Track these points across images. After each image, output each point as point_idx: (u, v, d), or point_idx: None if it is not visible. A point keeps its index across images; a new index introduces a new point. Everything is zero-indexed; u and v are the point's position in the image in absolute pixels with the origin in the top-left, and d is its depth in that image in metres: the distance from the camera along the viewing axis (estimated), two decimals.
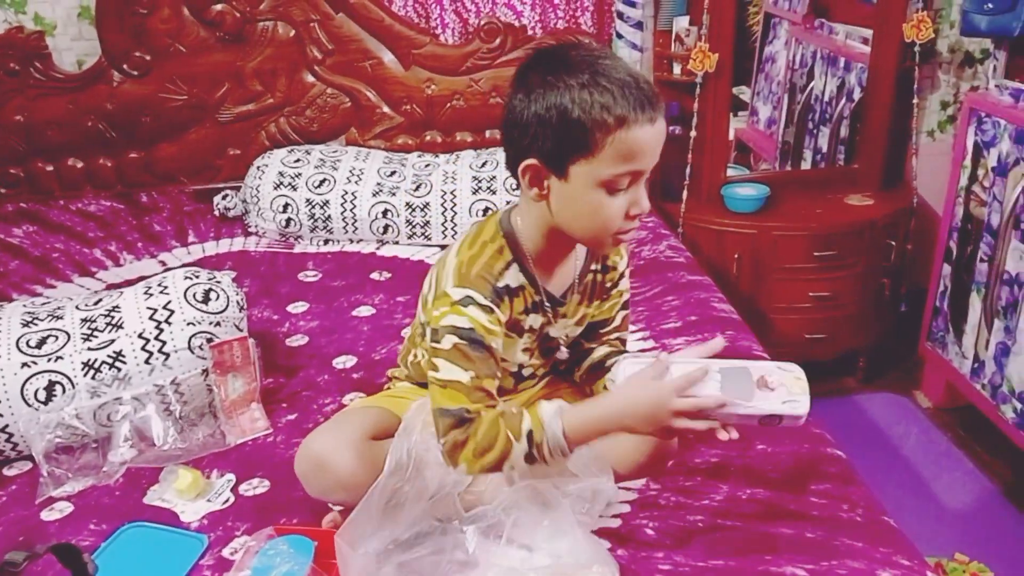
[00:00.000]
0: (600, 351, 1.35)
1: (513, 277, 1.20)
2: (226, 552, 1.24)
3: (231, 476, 1.41)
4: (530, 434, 1.11)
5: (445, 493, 1.16)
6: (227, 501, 1.36)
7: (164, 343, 1.49)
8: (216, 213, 2.49)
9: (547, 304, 1.24)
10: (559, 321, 1.29)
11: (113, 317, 1.50)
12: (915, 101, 2.68)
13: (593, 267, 1.29)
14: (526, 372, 1.33)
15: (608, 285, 1.33)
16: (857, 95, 2.75)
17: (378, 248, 2.36)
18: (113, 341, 1.47)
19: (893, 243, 2.65)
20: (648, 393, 1.09)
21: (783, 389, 1.07)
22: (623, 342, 1.39)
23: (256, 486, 1.39)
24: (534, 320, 1.25)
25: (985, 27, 2.32)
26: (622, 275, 1.34)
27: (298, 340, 1.88)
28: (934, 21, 2.63)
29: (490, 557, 1.12)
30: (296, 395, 1.65)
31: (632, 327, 1.79)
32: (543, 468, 1.14)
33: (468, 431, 1.12)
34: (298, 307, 2.03)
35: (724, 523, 1.24)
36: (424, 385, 1.33)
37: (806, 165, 2.99)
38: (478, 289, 1.16)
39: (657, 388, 1.08)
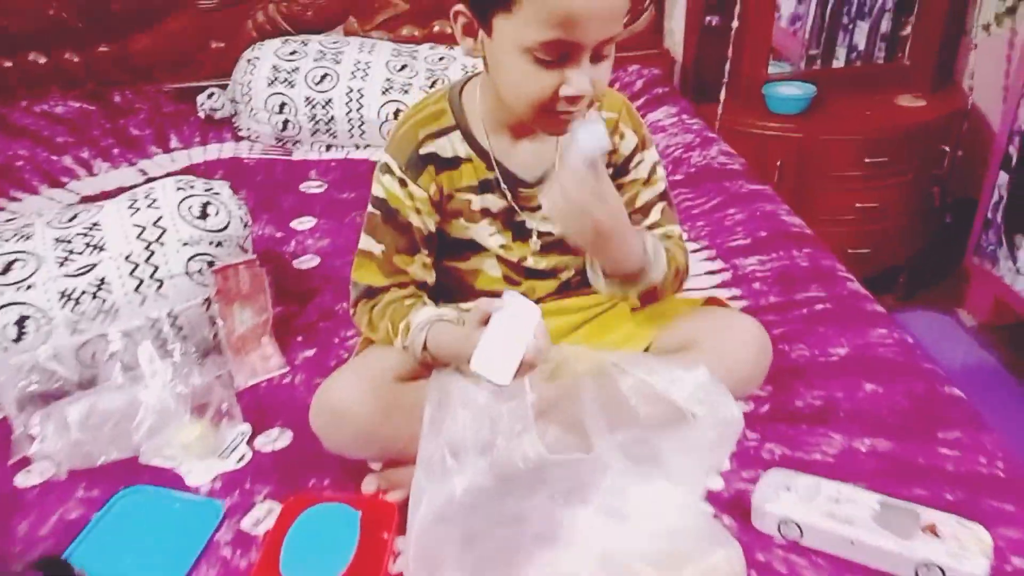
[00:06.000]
0: None
1: (448, 147, 1.09)
2: (246, 523, 1.03)
3: (245, 427, 1.20)
4: (406, 329, 1.05)
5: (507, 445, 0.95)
6: (242, 458, 1.14)
7: (156, 268, 1.27)
8: (200, 114, 2.29)
9: (504, 185, 1.09)
10: (527, 211, 1.12)
11: (93, 236, 1.28)
12: None
13: None
14: (530, 265, 1.16)
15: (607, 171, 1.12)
16: None
17: None
18: (94, 266, 1.25)
19: (947, 149, 2.46)
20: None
21: (954, 542, 0.92)
22: (679, 246, 1.16)
23: (276, 438, 1.18)
24: (491, 202, 1.10)
25: None
26: (630, 159, 1.13)
27: (308, 261, 1.66)
28: None
29: (576, 531, 0.92)
30: (312, 326, 1.44)
31: (694, 244, 1.57)
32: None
33: (372, 304, 1.11)
34: (304, 222, 1.81)
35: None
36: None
37: (839, 65, 2.71)
38: (395, 156, 1.09)
39: None
